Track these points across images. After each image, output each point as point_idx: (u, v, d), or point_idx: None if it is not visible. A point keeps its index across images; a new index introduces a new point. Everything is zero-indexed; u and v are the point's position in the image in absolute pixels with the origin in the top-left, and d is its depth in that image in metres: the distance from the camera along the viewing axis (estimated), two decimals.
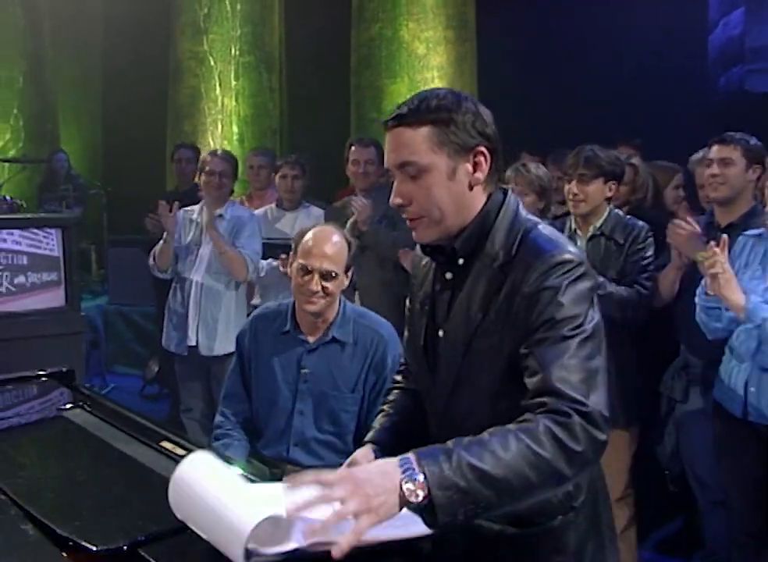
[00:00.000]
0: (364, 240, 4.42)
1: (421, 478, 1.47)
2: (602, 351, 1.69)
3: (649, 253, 3.58)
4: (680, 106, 7.27)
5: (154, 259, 4.89)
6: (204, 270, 4.76)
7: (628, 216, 3.69)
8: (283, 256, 4.51)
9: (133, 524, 1.61)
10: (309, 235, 2.86)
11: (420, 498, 1.46)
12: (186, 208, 4.92)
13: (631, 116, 6.93)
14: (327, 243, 2.83)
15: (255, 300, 5.12)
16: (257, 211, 5.24)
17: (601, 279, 3.29)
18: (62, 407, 2.40)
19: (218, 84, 8.02)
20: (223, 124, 7.97)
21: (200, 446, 1.95)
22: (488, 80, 7.73)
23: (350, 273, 2.89)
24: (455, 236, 1.81)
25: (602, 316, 1.74)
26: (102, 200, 7.78)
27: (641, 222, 3.63)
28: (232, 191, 4.99)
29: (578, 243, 3.54)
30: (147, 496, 1.81)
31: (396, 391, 2.12)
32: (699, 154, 4.00)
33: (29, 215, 5.53)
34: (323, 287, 2.80)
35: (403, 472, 1.48)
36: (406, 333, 2.05)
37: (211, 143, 7.75)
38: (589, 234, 3.60)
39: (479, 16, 7.85)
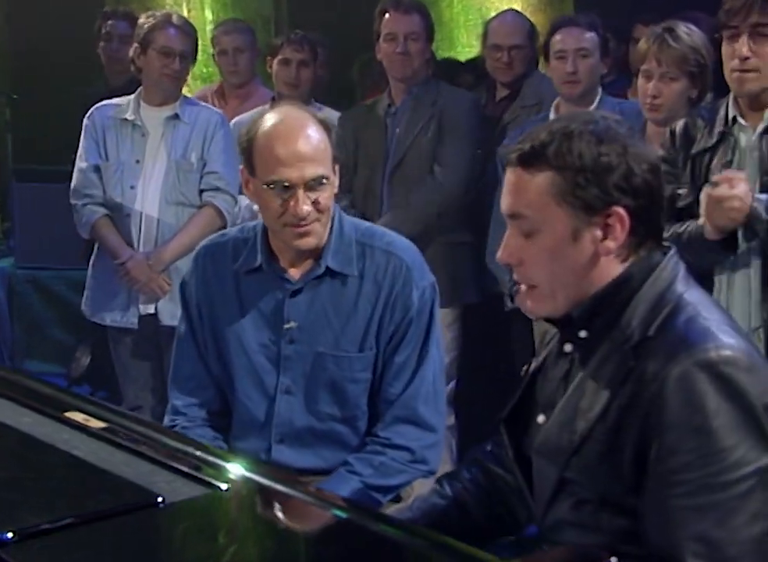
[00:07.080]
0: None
1: None
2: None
3: None
4: None
5: None
6: (160, 198, 3.80)
7: None
8: None
9: None
10: (267, 131, 2.22)
11: None
12: (107, 102, 3.88)
13: None
14: (300, 136, 2.21)
15: None
16: (240, 117, 4.20)
17: None
18: None
19: None
20: (190, 7, 6.41)
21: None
22: None
23: (337, 168, 2.31)
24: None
25: None
26: (5, 114, 6.18)
27: None
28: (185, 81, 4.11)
29: (741, 142, 2.82)
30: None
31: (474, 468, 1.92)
32: None
33: None
34: (314, 203, 2.22)
35: None
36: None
37: None
38: (763, 125, 2.82)
39: None
